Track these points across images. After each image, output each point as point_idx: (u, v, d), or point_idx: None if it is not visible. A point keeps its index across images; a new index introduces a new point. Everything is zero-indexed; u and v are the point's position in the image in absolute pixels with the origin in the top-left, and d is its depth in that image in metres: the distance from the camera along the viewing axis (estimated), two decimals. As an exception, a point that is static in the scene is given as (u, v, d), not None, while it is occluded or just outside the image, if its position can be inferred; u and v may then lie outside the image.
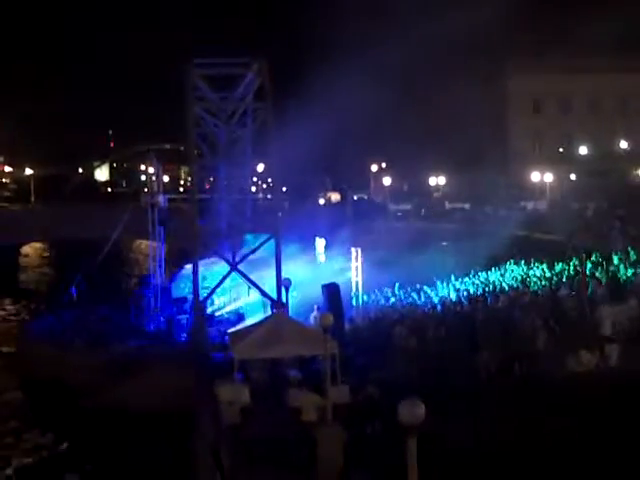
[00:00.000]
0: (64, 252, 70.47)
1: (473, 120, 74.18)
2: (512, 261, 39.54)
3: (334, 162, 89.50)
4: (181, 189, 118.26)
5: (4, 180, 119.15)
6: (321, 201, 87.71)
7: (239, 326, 29.37)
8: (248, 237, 34.30)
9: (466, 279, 38.23)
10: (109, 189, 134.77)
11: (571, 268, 35.19)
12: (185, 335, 31.89)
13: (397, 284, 37.71)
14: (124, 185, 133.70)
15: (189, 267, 33.02)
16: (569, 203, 65.41)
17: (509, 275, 37.91)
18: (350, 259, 37.00)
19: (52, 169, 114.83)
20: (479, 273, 38.96)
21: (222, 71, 32.87)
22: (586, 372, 21.06)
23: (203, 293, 32.14)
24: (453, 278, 38.10)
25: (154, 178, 40.14)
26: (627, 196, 56.87)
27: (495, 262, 39.86)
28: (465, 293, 35.46)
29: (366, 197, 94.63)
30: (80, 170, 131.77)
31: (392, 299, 36.61)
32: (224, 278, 32.08)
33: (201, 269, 32.24)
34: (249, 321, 30.50)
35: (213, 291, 32.42)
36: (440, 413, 15.03)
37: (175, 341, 31.81)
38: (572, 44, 77.01)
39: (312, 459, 16.64)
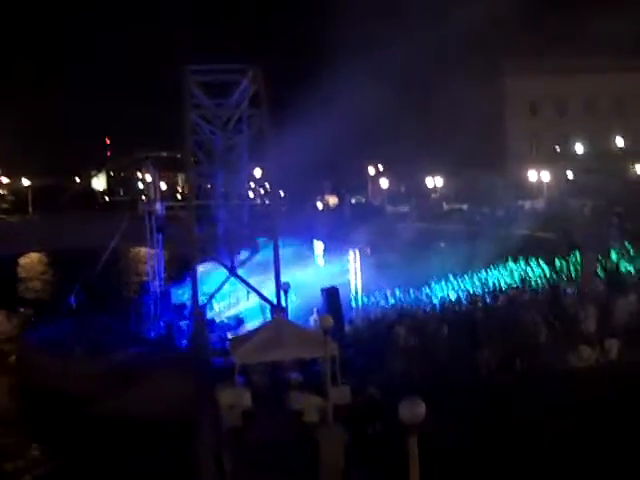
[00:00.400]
0: (63, 262, 70.44)
1: (470, 121, 74.23)
2: (511, 260, 39.56)
3: (331, 166, 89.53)
4: (179, 196, 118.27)
5: (1, 192, 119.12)
6: (319, 205, 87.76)
7: (239, 331, 29.39)
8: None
9: (465, 279, 38.26)
10: (107, 198, 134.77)
11: (571, 266, 35.29)
12: (185, 341, 31.86)
13: (396, 285, 37.70)
14: (122, 193, 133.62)
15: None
16: (567, 201, 65.50)
17: (508, 274, 37.94)
18: (348, 261, 37.03)
19: (49, 179, 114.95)
20: (478, 273, 38.97)
21: (218, 78, 32.90)
22: (587, 367, 21.07)
23: (203, 299, 32.13)
24: (452, 278, 38.13)
25: (151, 186, 40.14)
26: (624, 193, 56.95)
27: (494, 261, 39.87)
28: (464, 293, 35.50)
29: (364, 200, 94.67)
30: (77, 179, 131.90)
31: (391, 300, 36.61)
32: (223, 283, 32.09)
33: (201, 269, 32.26)
34: (249, 326, 30.53)
35: (212, 296, 32.42)
36: (441, 412, 15.04)
37: (175, 347, 31.78)
38: (568, 45, 77.11)
39: (314, 461, 16.64)
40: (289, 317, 29.07)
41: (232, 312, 34.51)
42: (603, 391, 18.13)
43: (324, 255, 40.89)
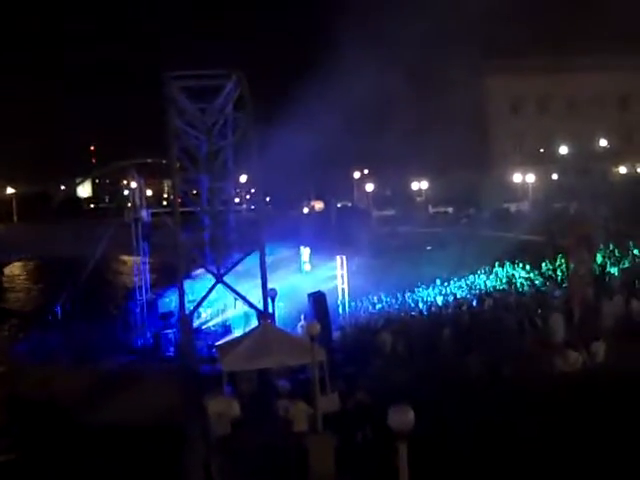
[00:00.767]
0: (48, 270, 70.15)
1: (453, 122, 74.40)
2: (497, 263, 39.67)
3: (317, 171, 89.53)
4: (164, 202, 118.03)
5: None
6: (305, 210, 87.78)
7: (226, 338, 29.31)
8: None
9: (452, 283, 38.34)
10: (92, 205, 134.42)
11: (557, 269, 35.38)
12: (173, 349, 31.76)
13: (383, 290, 37.77)
14: (107, 201, 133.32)
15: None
16: (551, 203, 65.73)
17: (494, 277, 38.05)
18: (335, 267, 37.04)
19: (34, 187, 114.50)
20: (464, 276, 39.06)
21: (201, 83, 32.79)
22: (573, 371, 21.10)
23: (189, 306, 32.02)
24: (439, 282, 38.20)
25: (137, 193, 40.02)
26: (609, 194, 57.19)
27: (480, 264, 39.97)
28: (451, 297, 35.57)
29: (350, 204, 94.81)
30: (62, 187, 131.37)
31: (378, 305, 36.66)
32: (210, 291, 31.98)
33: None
34: (236, 333, 30.45)
35: (199, 304, 32.30)
36: (430, 417, 15.04)
37: (163, 356, 31.67)
38: (549, 43, 77.44)
39: (303, 468, 16.61)
40: (277, 324, 29.02)
41: (219, 319, 34.44)
42: (590, 395, 18.16)
43: (311, 261, 40.86)
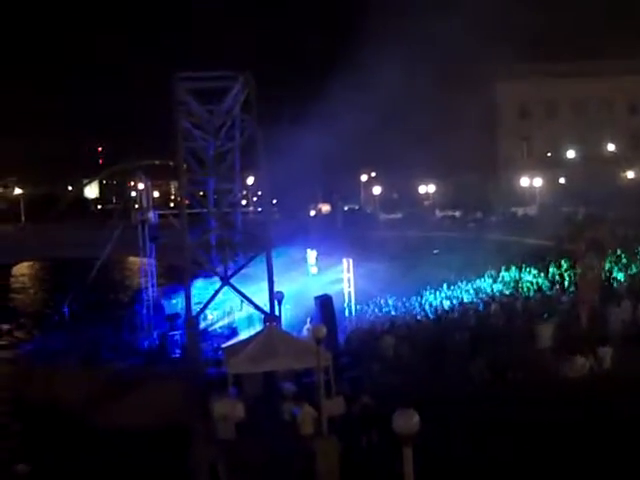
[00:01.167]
0: (56, 271, 70.25)
1: (461, 126, 74.29)
2: (504, 267, 39.57)
3: (324, 173, 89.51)
4: (171, 204, 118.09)
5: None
6: (312, 212, 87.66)
7: (232, 341, 29.29)
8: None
9: (459, 286, 38.23)
10: (99, 206, 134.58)
11: (565, 274, 35.29)
12: (179, 351, 31.75)
13: (389, 293, 37.68)
14: (114, 202, 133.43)
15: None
16: (559, 207, 65.58)
17: (501, 281, 37.94)
18: (342, 270, 36.97)
19: (42, 188, 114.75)
20: (471, 280, 38.94)
21: (209, 85, 32.82)
22: (580, 377, 21.04)
23: (196, 308, 32.02)
24: (445, 286, 38.09)
25: (144, 194, 40.04)
26: (617, 199, 57.03)
27: (487, 269, 39.86)
28: (457, 301, 35.47)
29: (357, 207, 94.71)
30: (70, 188, 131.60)
31: (385, 309, 36.57)
32: (216, 293, 31.96)
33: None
34: (242, 335, 30.43)
35: (206, 306, 32.28)
36: (435, 421, 15.01)
37: (169, 358, 31.66)
38: (558, 49, 77.35)
39: (309, 472, 16.59)
40: (283, 326, 28.99)
41: (226, 322, 34.43)
42: (597, 401, 18.13)
43: (317, 264, 40.80)
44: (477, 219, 69.08)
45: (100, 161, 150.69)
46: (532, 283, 36.03)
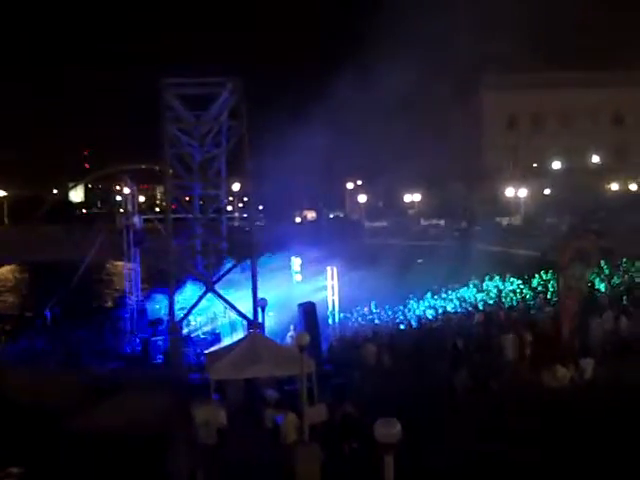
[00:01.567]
0: (38, 275, 69.89)
1: (447, 136, 74.63)
2: (488, 277, 39.74)
3: (310, 180, 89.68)
4: (157, 209, 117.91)
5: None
6: (297, 219, 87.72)
7: (215, 347, 29.23)
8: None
9: (442, 295, 38.35)
10: (84, 210, 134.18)
11: (548, 284, 35.42)
12: (161, 357, 31.68)
13: (373, 302, 37.76)
14: (99, 206, 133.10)
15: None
16: (543, 218, 65.90)
17: (484, 291, 38.08)
18: (326, 278, 37.02)
19: (26, 191, 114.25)
20: (455, 290, 39.08)
21: (197, 91, 32.82)
22: (561, 387, 21.13)
23: (179, 314, 31.95)
24: (429, 295, 38.21)
25: (129, 199, 39.96)
26: (600, 210, 57.40)
27: (471, 278, 40.01)
28: (441, 310, 35.58)
29: (342, 215, 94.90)
30: (55, 191, 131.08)
31: (368, 317, 36.65)
32: (200, 299, 31.91)
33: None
34: (226, 341, 30.37)
35: (189, 312, 32.23)
36: (417, 431, 15.03)
37: (151, 363, 31.58)
38: (544, 60, 77.78)
39: (290, 479, 16.57)
40: (266, 333, 28.96)
41: (209, 328, 34.36)
42: (577, 412, 18.21)
43: (301, 271, 40.81)
44: (462, 228, 69.32)
45: (86, 165, 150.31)
46: (515, 293, 36.17)
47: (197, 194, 34.64)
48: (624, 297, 31.38)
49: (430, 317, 34.52)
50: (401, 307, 37.06)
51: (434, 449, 17.14)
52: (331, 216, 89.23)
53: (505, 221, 74.10)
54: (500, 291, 37.23)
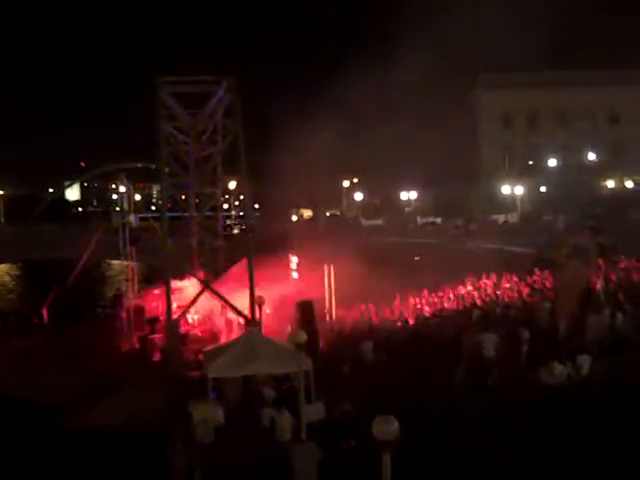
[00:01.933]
0: (35, 273, 69.85)
1: (444, 134, 74.62)
2: (484, 274, 39.75)
3: (306, 179, 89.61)
4: (153, 207, 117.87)
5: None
6: (293, 218, 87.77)
7: (213, 345, 29.24)
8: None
9: (439, 293, 38.36)
10: (80, 209, 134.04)
11: (544, 281, 35.43)
12: (159, 355, 31.68)
13: (370, 299, 37.79)
14: (95, 204, 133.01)
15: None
16: (539, 215, 65.96)
17: (481, 288, 38.09)
18: (323, 275, 37.07)
19: (22, 189, 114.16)
20: (452, 287, 39.08)
21: (192, 89, 32.83)
22: (557, 384, 21.15)
23: (177, 312, 31.92)
24: (426, 292, 38.22)
25: (125, 197, 39.98)
26: (597, 207, 57.47)
27: (467, 275, 40.02)
28: (438, 307, 35.61)
29: (338, 213, 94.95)
30: (51, 190, 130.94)
31: (365, 314, 36.66)
32: (197, 296, 31.92)
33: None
34: (223, 340, 30.39)
35: (186, 310, 32.24)
36: (415, 428, 15.03)
37: (149, 361, 31.58)
38: (541, 58, 77.81)
39: (287, 478, 16.56)
40: (263, 331, 28.95)
41: (206, 325, 34.38)
42: (574, 408, 18.24)
43: (298, 269, 40.84)
44: (458, 226, 69.39)
45: (82, 164, 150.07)
46: (512, 290, 36.18)
47: (193, 192, 34.67)
48: (621, 294, 31.37)
49: (427, 314, 34.55)
50: (398, 304, 37.07)
51: (432, 446, 17.15)
52: (327, 214, 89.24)
53: (501, 218, 74.18)
54: (497, 288, 37.24)
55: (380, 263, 44.07)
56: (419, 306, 36.51)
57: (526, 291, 35.40)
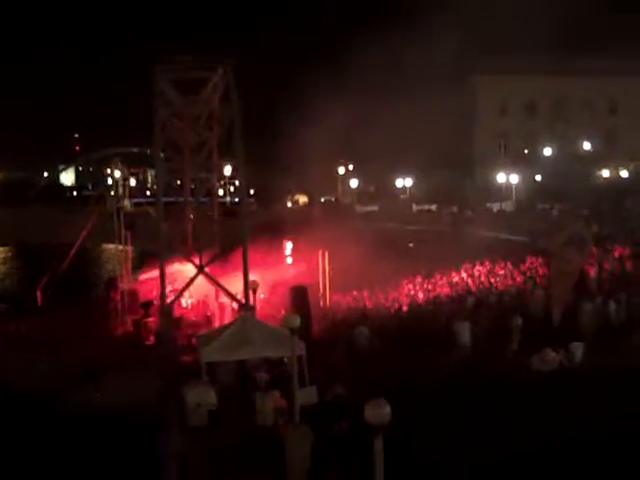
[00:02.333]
0: (29, 257, 69.76)
1: (439, 121, 74.48)
2: (479, 261, 39.86)
3: (302, 164, 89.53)
4: (148, 192, 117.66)
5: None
6: (288, 203, 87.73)
7: (207, 329, 29.29)
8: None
9: (433, 279, 38.46)
10: (74, 193, 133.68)
11: (537, 269, 35.55)
12: (153, 338, 31.72)
13: (364, 285, 37.85)
14: (90, 188, 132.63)
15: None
16: (535, 204, 66.06)
17: (475, 275, 38.21)
18: (317, 261, 37.11)
19: (17, 173, 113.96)
20: (446, 274, 39.19)
21: (188, 74, 32.68)
22: (550, 371, 21.26)
23: (171, 296, 31.95)
24: (420, 279, 38.31)
25: (120, 182, 39.99)
26: (591, 196, 57.56)
27: (462, 262, 40.13)
28: (432, 294, 35.71)
29: (334, 199, 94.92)
30: (45, 174, 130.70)
31: (359, 299, 36.74)
32: (191, 281, 31.95)
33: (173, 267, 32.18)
34: (216, 324, 30.44)
35: (180, 294, 32.27)
36: (407, 413, 15.10)
37: (142, 344, 31.62)
38: (539, 45, 77.61)
39: (280, 461, 16.63)
40: (257, 316, 29.01)
41: (200, 309, 34.43)
42: (566, 395, 18.33)
43: (293, 254, 40.89)
44: (453, 213, 69.45)
45: (77, 148, 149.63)
46: (506, 277, 36.31)
47: (188, 178, 34.62)
48: (613, 282, 31.52)
49: (421, 300, 34.65)
50: (392, 290, 37.16)
51: (424, 431, 17.23)
52: (322, 200, 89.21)
53: (496, 207, 74.27)
54: (491, 275, 37.35)
55: (374, 249, 44.13)
56: (413, 292, 36.61)
57: (520, 278, 35.54)
